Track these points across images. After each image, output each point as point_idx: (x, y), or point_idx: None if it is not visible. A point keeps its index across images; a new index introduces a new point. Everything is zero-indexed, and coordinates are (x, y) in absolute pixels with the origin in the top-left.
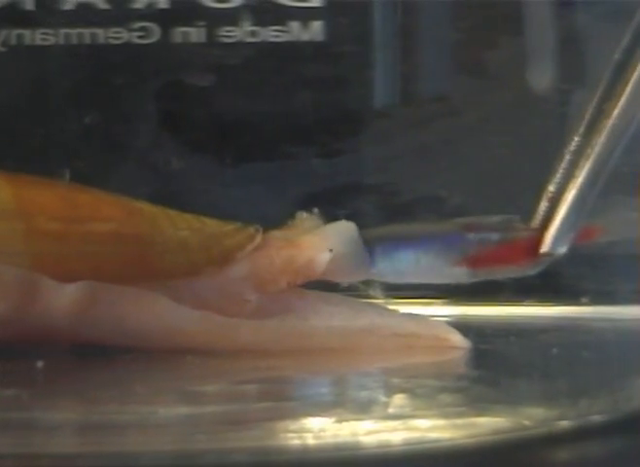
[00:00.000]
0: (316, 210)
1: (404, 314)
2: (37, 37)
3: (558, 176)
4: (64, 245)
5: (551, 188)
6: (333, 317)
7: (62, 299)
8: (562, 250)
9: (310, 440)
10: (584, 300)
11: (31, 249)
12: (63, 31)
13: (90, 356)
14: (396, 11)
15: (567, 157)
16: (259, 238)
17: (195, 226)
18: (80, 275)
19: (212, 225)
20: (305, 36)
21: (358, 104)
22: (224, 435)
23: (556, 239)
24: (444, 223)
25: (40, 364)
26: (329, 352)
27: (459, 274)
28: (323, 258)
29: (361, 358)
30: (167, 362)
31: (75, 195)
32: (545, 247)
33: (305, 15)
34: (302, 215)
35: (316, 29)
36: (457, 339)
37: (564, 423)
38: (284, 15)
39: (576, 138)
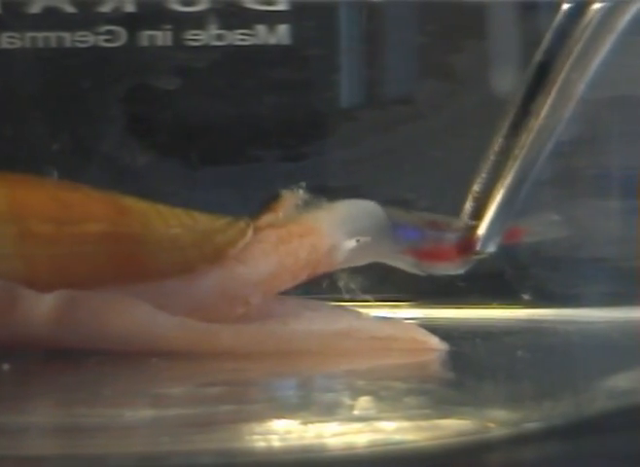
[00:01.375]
0: (303, 185)
1: (380, 318)
2: (3, 41)
3: (484, 176)
4: (57, 247)
5: (477, 188)
6: (312, 321)
7: (41, 307)
8: (491, 249)
9: (276, 442)
10: (526, 297)
11: (24, 252)
12: (30, 35)
13: (57, 359)
14: (362, 14)
15: (492, 157)
16: (250, 233)
17: (187, 222)
18: (73, 277)
19: (203, 220)
20: (272, 39)
21: (324, 107)
22: (189, 437)
23: (486, 239)
24: (413, 215)
25: (6, 367)
26: (297, 355)
27: (406, 262)
28: (347, 246)
29: (328, 360)
30: (133, 365)
31: (65, 194)
32: (476, 246)
33: (272, 18)
34: (287, 194)
35: (282, 33)
36: (434, 341)
37: (528, 425)
38: (250, 18)
39: (501, 139)
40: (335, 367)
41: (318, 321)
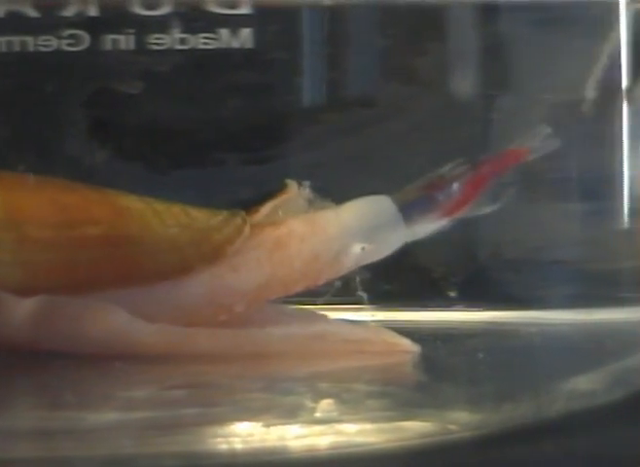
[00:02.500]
0: (307, 183)
1: (353, 322)
2: None
3: None
4: (55, 252)
5: None
6: (288, 325)
7: (20, 312)
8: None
9: (238, 444)
10: (452, 295)
11: (22, 258)
12: None
13: (20, 363)
14: (324, 18)
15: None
16: (247, 229)
17: (184, 221)
18: (72, 282)
19: (200, 218)
20: (235, 43)
21: (288, 110)
22: (153, 440)
23: None
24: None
25: None
26: (260, 357)
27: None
28: (355, 251)
29: (291, 363)
30: (96, 368)
31: (63, 197)
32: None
33: (235, 22)
34: (291, 184)
35: (246, 36)
36: (405, 343)
37: (489, 427)
38: (214, 22)
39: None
40: (297, 370)
41: (294, 325)
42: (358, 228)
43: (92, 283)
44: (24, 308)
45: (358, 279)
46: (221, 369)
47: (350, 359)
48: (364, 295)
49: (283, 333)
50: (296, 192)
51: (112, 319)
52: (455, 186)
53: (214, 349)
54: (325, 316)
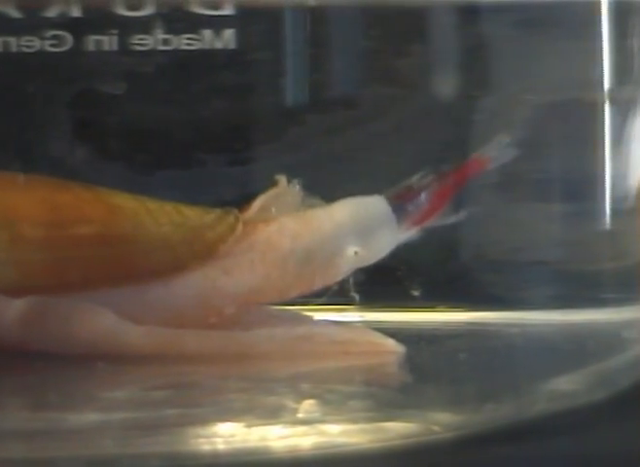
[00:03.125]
0: (298, 181)
1: (339, 323)
2: None
3: None
4: (49, 251)
5: None
6: (274, 327)
7: (10, 312)
8: None
9: (221, 445)
10: (415, 294)
11: (16, 257)
12: None
13: (2, 364)
14: (307, 19)
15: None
16: (240, 227)
17: (176, 220)
18: (66, 281)
19: (192, 216)
20: (218, 44)
21: (270, 111)
22: (135, 441)
23: None
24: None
25: None
26: (243, 358)
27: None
28: (348, 254)
29: (274, 364)
30: (79, 369)
31: (55, 196)
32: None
33: (218, 23)
34: (282, 180)
35: (229, 37)
36: (391, 343)
37: (471, 427)
38: (197, 23)
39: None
40: (280, 370)
41: (280, 326)
42: (352, 227)
43: (86, 282)
44: (14, 309)
45: (352, 281)
46: (203, 369)
47: (336, 360)
48: (356, 296)
49: (269, 334)
50: (286, 187)
51: (100, 321)
52: (423, 196)
53: (201, 350)
54: (310, 317)
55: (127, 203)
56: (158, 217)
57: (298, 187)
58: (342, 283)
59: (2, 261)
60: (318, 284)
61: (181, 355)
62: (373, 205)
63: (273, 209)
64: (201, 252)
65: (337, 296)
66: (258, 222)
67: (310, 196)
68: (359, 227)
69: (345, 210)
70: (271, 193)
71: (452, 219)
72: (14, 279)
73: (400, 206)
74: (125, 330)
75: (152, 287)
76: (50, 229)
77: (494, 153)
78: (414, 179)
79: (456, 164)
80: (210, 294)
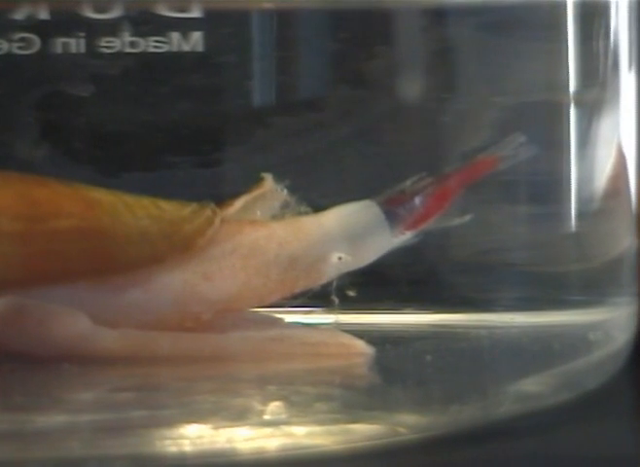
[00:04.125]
0: (285, 184)
1: (310, 326)
2: None
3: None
4: (28, 246)
5: None
6: (247, 329)
7: None
8: None
9: (187, 447)
10: (335, 301)
11: None
12: None
13: None
14: (274, 22)
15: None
16: (218, 221)
17: (154, 213)
18: (45, 275)
19: (169, 209)
20: (185, 47)
21: (238, 114)
22: (101, 443)
23: None
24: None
25: None
26: (210, 360)
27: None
28: (333, 260)
29: (240, 365)
30: (45, 371)
31: (33, 191)
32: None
33: (185, 25)
34: (267, 178)
35: (196, 40)
36: (361, 345)
37: (437, 429)
38: (164, 25)
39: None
40: (246, 372)
41: (252, 329)
42: (340, 234)
43: (65, 275)
44: None
45: (334, 284)
46: (170, 371)
47: (307, 361)
48: (335, 299)
49: (242, 336)
50: (271, 187)
51: (75, 324)
52: (417, 200)
53: (175, 353)
54: (282, 320)
55: (105, 197)
56: (135, 211)
57: (284, 191)
58: (323, 287)
59: None
60: (299, 288)
61: (155, 357)
62: (364, 212)
63: (257, 211)
64: (179, 245)
65: (315, 299)
66: (245, 223)
67: (297, 201)
68: (348, 234)
69: (335, 218)
70: (256, 192)
71: (455, 222)
72: None
73: (393, 210)
74: (100, 333)
75: (129, 290)
76: (28, 223)
77: (506, 152)
78: (409, 182)
79: (447, 171)
80: (189, 300)
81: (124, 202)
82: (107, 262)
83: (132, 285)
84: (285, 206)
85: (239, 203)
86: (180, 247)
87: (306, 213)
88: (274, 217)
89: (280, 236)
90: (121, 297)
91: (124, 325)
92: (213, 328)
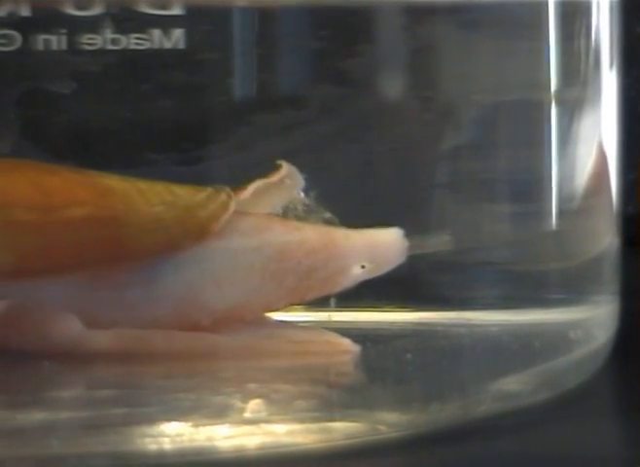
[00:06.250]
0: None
1: (298, 325)
2: None
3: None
4: (42, 235)
5: None
6: (238, 328)
7: None
8: None
9: (167, 445)
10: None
11: (9, 242)
12: None
13: None
14: (255, 19)
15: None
16: (233, 206)
17: (168, 199)
18: (60, 264)
19: (183, 195)
20: (167, 44)
21: (219, 111)
22: (81, 440)
23: None
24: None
25: None
26: (188, 357)
27: None
28: (354, 272)
29: (219, 363)
30: (25, 368)
31: (46, 180)
32: None
33: (167, 23)
34: (285, 165)
35: (177, 37)
36: (347, 343)
37: (417, 428)
38: (145, 22)
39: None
40: (226, 370)
41: (243, 327)
42: (364, 254)
43: (79, 264)
44: None
45: None
46: (149, 369)
47: (294, 359)
48: (333, 300)
49: (235, 335)
50: (290, 174)
51: (74, 328)
52: None
53: (168, 350)
54: (271, 318)
55: (118, 184)
56: (149, 197)
57: (310, 197)
58: None
59: None
60: (310, 298)
61: (149, 355)
62: (390, 238)
63: (270, 197)
64: (194, 231)
65: None
66: (275, 220)
67: (322, 207)
68: (371, 255)
69: (362, 237)
70: (271, 178)
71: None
72: (10, 263)
73: None
74: (95, 337)
75: (130, 289)
76: (41, 212)
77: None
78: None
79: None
80: (190, 307)
81: (138, 189)
82: (121, 249)
83: (134, 284)
84: (309, 212)
85: (253, 188)
86: (195, 233)
87: (331, 219)
88: (299, 219)
89: (311, 245)
90: (120, 295)
91: (121, 324)
92: (205, 327)
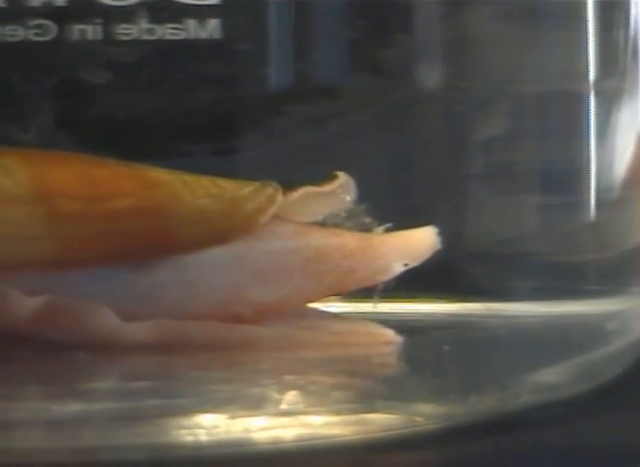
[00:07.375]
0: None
1: (340, 316)
2: None
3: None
4: (87, 226)
5: None
6: (279, 319)
7: (25, 309)
8: None
9: (203, 436)
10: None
11: (54, 233)
12: None
13: None
14: (291, 9)
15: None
16: (280, 199)
17: (214, 192)
18: (104, 255)
19: (230, 188)
20: (203, 34)
21: (254, 101)
22: (116, 432)
23: None
24: None
25: None
26: (224, 349)
27: None
28: (394, 270)
29: (255, 355)
30: (60, 359)
31: (92, 171)
32: None
33: (202, 12)
34: (342, 176)
35: (213, 27)
36: (390, 334)
37: (454, 420)
38: (181, 12)
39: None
40: (263, 361)
41: (285, 319)
42: (401, 254)
43: (124, 255)
44: (29, 307)
45: None
46: (185, 360)
47: (335, 350)
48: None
49: (274, 326)
50: (341, 185)
51: (108, 322)
52: None
53: (206, 340)
54: (314, 309)
55: (163, 177)
56: (194, 190)
57: (361, 210)
58: None
59: (41, 236)
60: (347, 291)
61: (187, 346)
62: (425, 238)
63: (319, 205)
64: (241, 224)
65: None
66: (313, 227)
67: (373, 219)
68: (407, 256)
69: (399, 240)
70: (325, 188)
71: None
72: (55, 253)
73: None
74: (127, 329)
75: (174, 290)
76: (87, 203)
77: None
78: None
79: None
80: (235, 302)
81: (183, 181)
82: (167, 241)
83: (177, 283)
84: (350, 217)
85: (301, 192)
86: (241, 226)
87: (370, 225)
88: (337, 225)
89: (349, 248)
90: (163, 292)
91: (159, 318)
92: (245, 319)
